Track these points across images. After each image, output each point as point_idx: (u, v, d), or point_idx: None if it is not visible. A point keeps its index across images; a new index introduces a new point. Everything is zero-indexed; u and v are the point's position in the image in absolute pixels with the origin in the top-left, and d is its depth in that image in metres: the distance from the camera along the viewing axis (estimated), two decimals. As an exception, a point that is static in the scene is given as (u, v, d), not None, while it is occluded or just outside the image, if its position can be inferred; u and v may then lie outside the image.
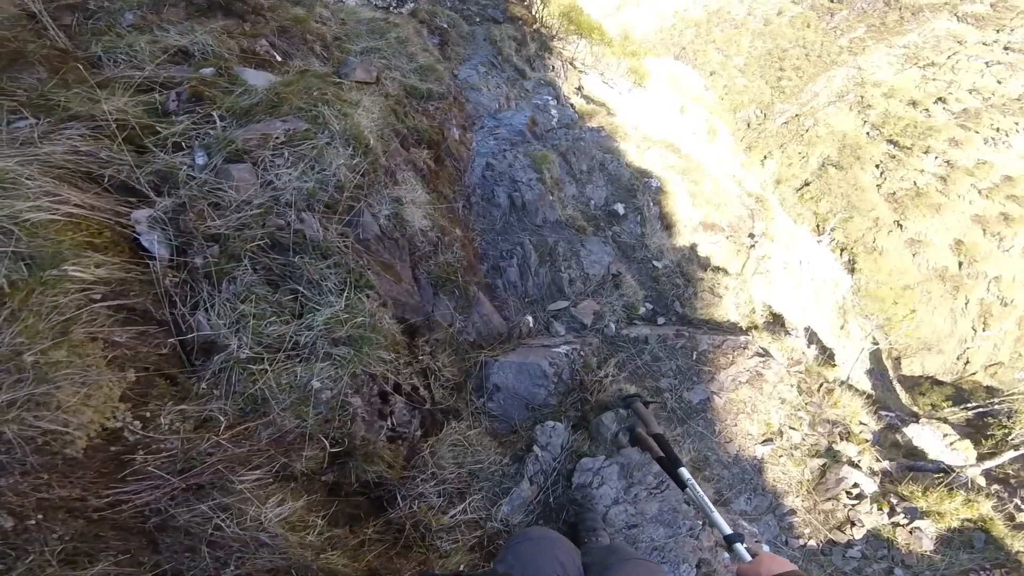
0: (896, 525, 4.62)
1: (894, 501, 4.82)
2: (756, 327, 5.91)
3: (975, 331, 20.82)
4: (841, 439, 5.32)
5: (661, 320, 5.40)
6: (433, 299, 3.20)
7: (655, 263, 5.58)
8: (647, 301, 5.36)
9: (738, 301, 6.11)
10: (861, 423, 5.90)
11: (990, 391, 18.66)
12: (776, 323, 6.72)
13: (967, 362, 20.62)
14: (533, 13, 12.07)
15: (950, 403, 17.52)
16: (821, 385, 5.70)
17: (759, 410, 5.02)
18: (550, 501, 2.94)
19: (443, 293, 3.25)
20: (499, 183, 4.69)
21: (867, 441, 5.46)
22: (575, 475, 3.24)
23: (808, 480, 4.78)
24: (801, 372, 5.64)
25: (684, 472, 1.75)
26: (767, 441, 4.82)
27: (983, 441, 12.44)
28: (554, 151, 5.52)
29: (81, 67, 2.49)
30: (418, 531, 2.41)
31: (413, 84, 5.14)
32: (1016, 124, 27.21)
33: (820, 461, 4.86)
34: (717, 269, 6.34)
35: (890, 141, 28.67)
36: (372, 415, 2.30)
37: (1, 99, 2.23)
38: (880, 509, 4.72)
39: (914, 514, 4.65)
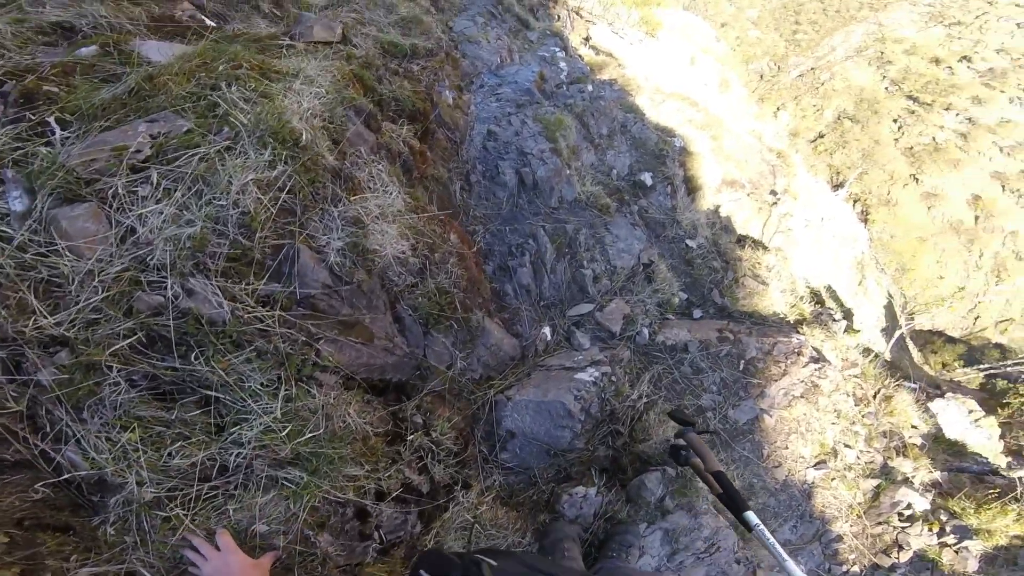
0: (944, 545, 4.12)
1: (944, 519, 4.24)
2: (805, 319, 5.02)
3: (988, 285, 19.85)
4: (897, 454, 4.74)
5: (698, 313, 4.51)
6: (424, 339, 2.30)
7: (688, 242, 4.63)
8: (681, 290, 4.45)
9: (783, 286, 5.17)
10: (913, 427, 5.23)
11: (1001, 349, 18.02)
12: (819, 305, 5.81)
13: (978, 317, 19.77)
14: (534, -45, 10.60)
15: (962, 362, 16.86)
16: (878, 391, 4.95)
17: (813, 428, 4.33)
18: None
19: (437, 330, 2.34)
20: (504, 156, 3.71)
21: (919, 447, 4.85)
22: (610, 545, 2.46)
23: (860, 504, 4.23)
24: (857, 376, 4.86)
25: (751, 516, 1.47)
26: (820, 464, 4.16)
27: (999, 410, 11.95)
28: (569, 112, 4.49)
29: None
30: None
31: (392, 40, 4.11)
32: None
33: (875, 482, 4.30)
34: (757, 244, 5.38)
35: (910, 97, 27.15)
36: (351, 543, 1.51)
37: None
38: (930, 530, 4.16)
39: (964, 533, 4.17)
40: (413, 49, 4.25)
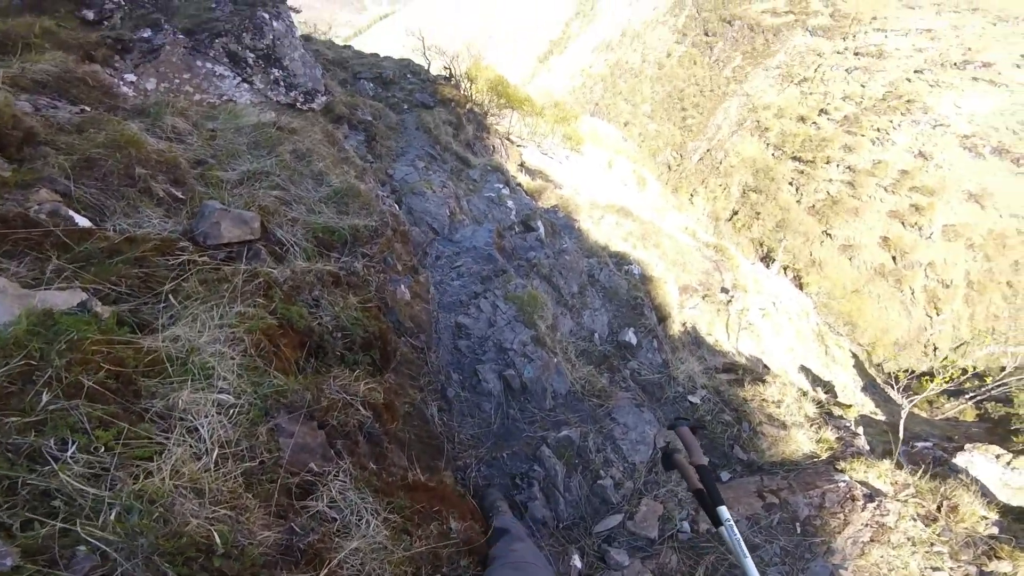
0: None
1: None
2: (834, 450, 4.43)
3: (931, 317, 20.67)
4: (989, 559, 4.10)
5: (726, 475, 3.82)
6: None
7: (690, 399, 4.01)
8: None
9: (796, 418, 4.58)
10: (983, 518, 4.62)
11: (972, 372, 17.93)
12: (828, 415, 5.28)
13: (935, 348, 20.27)
14: (463, 92, 10.85)
15: (945, 397, 16.54)
16: (941, 503, 4.39)
17: (895, 566, 3.69)
18: None
19: None
20: (482, 356, 3.01)
21: (1004, 541, 4.24)
22: None
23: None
24: (914, 496, 4.30)
25: (724, 511, 1.43)
26: (915, 596, 3.36)
27: (1014, 439, 11.70)
28: (536, 276, 3.93)
29: None
30: None
31: (327, 224, 3.37)
32: (891, 122, 28.63)
33: (978, 594, 3.60)
34: (753, 377, 4.84)
35: (794, 158, 29.61)
36: None
37: None
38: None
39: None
40: (354, 233, 3.53)
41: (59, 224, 2.04)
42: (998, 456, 7.66)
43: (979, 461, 7.44)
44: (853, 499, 3.97)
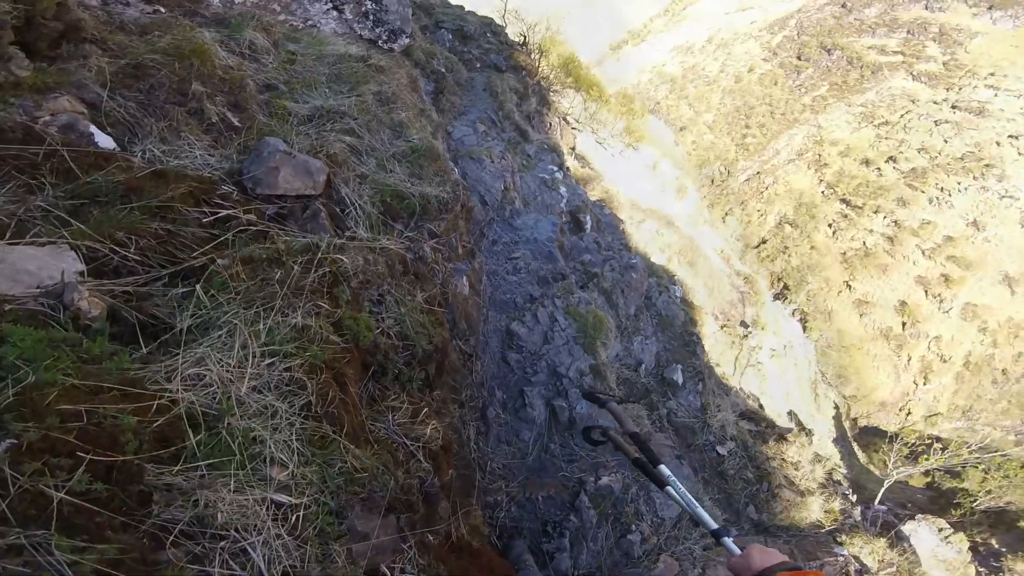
0: None
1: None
2: (838, 520, 4.35)
3: (916, 385, 20.29)
4: None
5: (733, 532, 3.64)
6: None
7: (719, 449, 3.77)
8: (715, 506, 3.57)
9: (810, 483, 4.41)
10: None
11: (937, 441, 18.18)
12: (834, 482, 5.12)
13: (908, 413, 20.05)
14: (534, 62, 10.24)
15: (903, 460, 16.89)
16: None
17: None
18: None
19: None
20: (532, 376, 2.73)
21: None
22: None
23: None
24: (895, 574, 4.42)
25: (664, 469, 1.48)
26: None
27: (952, 512, 12.06)
28: (596, 288, 3.62)
29: None
30: None
31: (397, 188, 2.90)
32: (959, 184, 26.88)
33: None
34: (781, 438, 4.62)
35: (843, 200, 28.18)
36: None
37: None
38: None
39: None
40: (424, 204, 3.15)
41: (71, 143, 1.55)
42: (940, 530, 7.96)
43: (923, 532, 7.74)
44: (847, 574, 4.08)
